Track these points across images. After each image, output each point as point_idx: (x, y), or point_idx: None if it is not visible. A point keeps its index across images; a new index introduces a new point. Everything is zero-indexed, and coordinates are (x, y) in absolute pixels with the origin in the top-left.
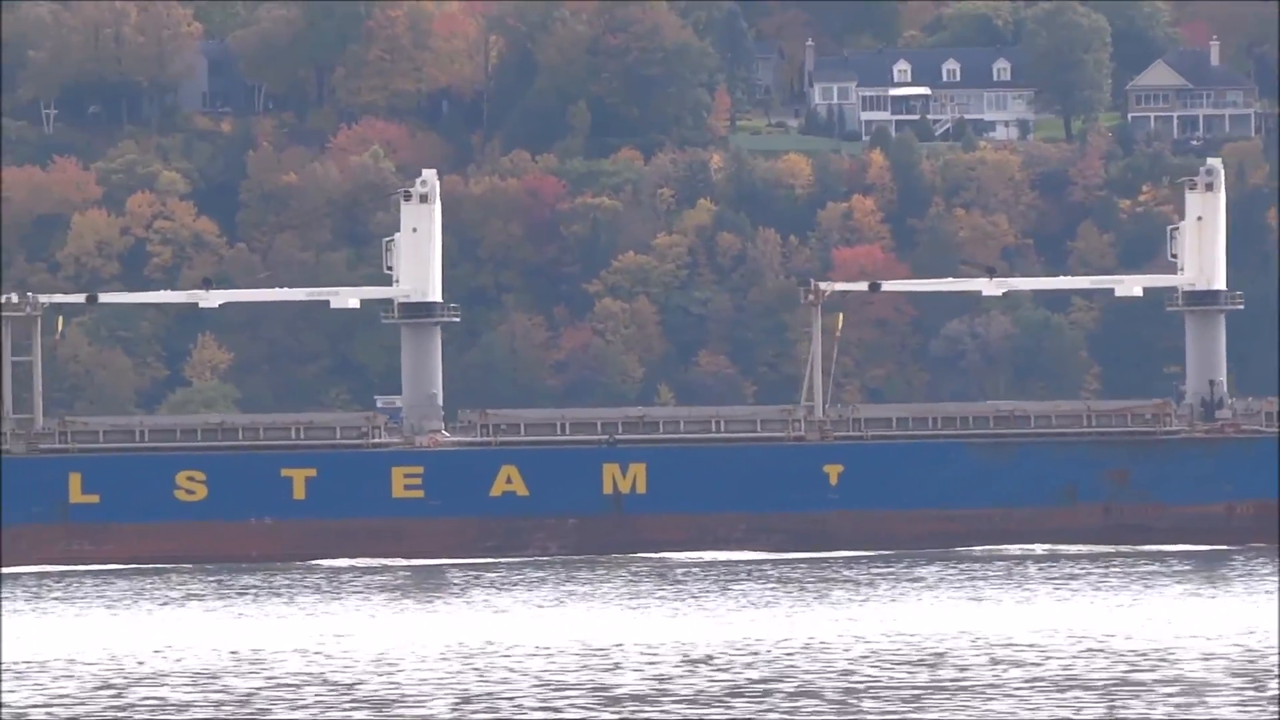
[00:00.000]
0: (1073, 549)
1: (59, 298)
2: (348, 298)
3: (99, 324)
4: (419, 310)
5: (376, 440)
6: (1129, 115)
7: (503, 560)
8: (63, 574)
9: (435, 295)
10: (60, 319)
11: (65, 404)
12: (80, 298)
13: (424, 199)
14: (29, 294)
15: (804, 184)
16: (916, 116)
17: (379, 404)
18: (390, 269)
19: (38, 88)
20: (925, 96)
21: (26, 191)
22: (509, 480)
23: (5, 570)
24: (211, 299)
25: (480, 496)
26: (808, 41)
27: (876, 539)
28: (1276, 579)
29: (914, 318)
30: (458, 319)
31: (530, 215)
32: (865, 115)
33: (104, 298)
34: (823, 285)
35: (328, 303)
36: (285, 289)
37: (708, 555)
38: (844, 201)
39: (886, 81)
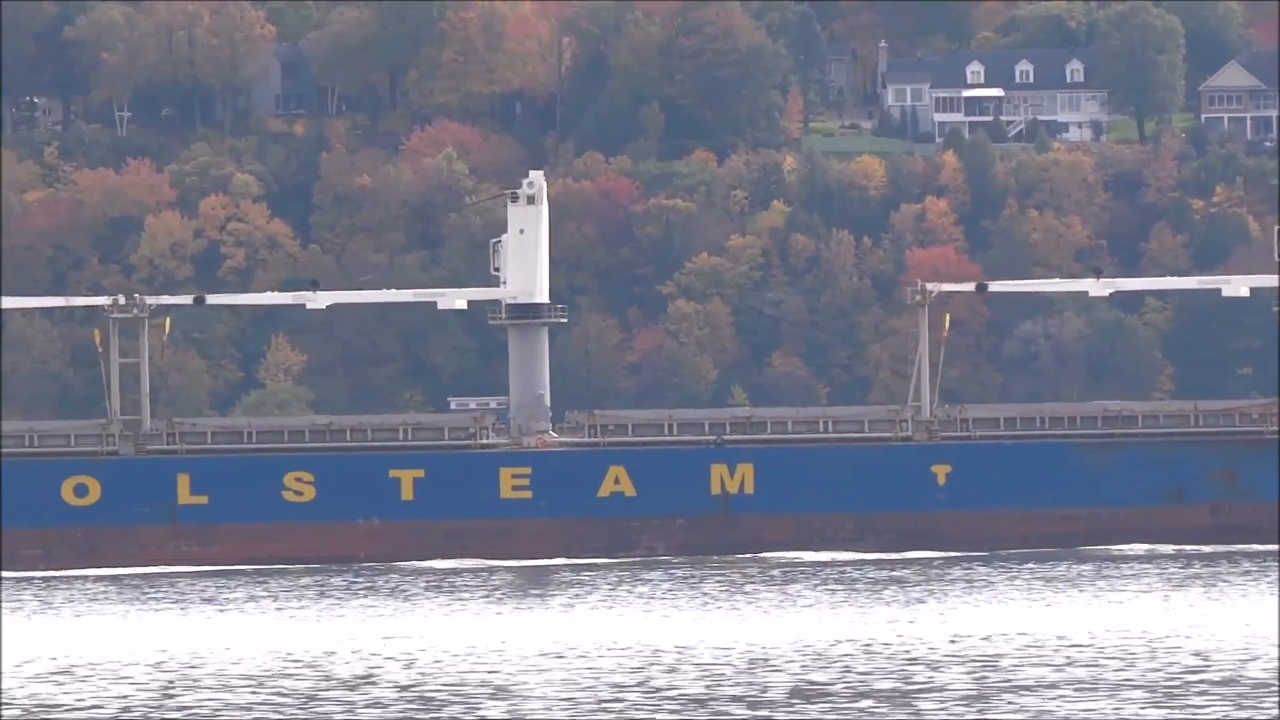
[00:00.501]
0: (1178, 549)
1: (166, 299)
2: (454, 299)
3: (174, 326)
4: (526, 311)
5: (484, 441)
6: (1202, 116)
7: (610, 561)
8: (171, 575)
9: (542, 296)
10: (168, 320)
11: (139, 407)
12: (188, 299)
13: (531, 200)
14: (136, 295)
15: (877, 185)
16: (990, 118)
17: (452, 405)
18: (497, 270)
19: (111, 90)
20: (998, 98)
21: (100, 194)
22: (617, 481)
23: (112, 571)
24: (319, 300)
25: (588, 497)
26: (881, 43)
27: (984, 539)
28: None
29: (987, 319)
30: (565, 319)
31: (604, 217)
32: (938, 117)
33: (211, 299)
34: (929, 286)
35: (405, 304)
36: (392, 290)
37: (815, 555)
38: (917, 203)
39: (960, 83)
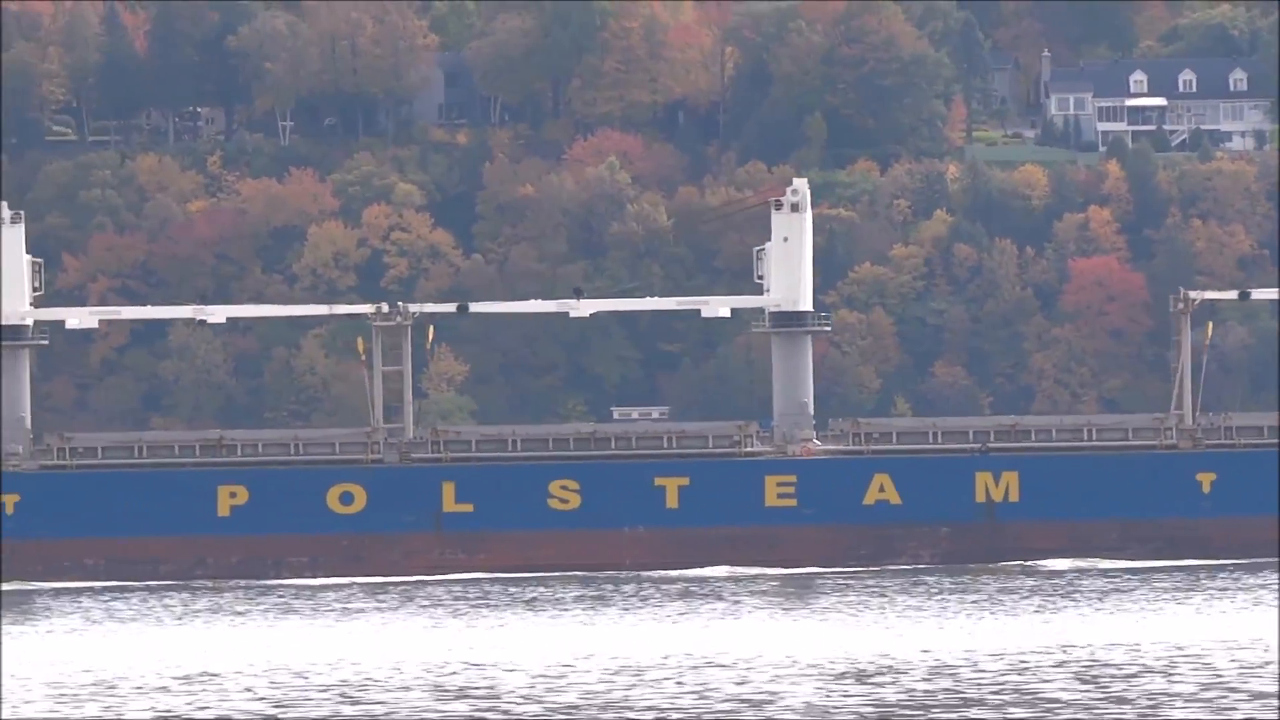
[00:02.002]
0: None
1: (430, 307)
2: (718, 307)
3: (335, 335)
4: (790, 319)
5: (749, 449)
6: None
7: (875, 569)
8: (436, 583)
9: (806, 304)
10: (431, 329)
11: (303, 416)
12: (451, 307)
13: (795, 208)
14: (399, 304)
15: (1040, 194)
16: (1153, 127)
17: (615, 415)
18: (760, 278)
19: (274, 99)
20: (1161, 107)
21: (263, 203)
22: (882, 489)
23: (377, 580)
24: (582, 309)
25: (853, 505)
26: (1044, 52)
27: (1250, 546)
28: None
29: (1149, 329)
30: (829, 328)
31: (766, 226)
32: (1101, 126)
33: (474, 308)
34: (1192, 294)
35: (565, 314)
36: (654, 299)
37: (1080, 563)
38: (1080, 212)
39: (1122, 92)
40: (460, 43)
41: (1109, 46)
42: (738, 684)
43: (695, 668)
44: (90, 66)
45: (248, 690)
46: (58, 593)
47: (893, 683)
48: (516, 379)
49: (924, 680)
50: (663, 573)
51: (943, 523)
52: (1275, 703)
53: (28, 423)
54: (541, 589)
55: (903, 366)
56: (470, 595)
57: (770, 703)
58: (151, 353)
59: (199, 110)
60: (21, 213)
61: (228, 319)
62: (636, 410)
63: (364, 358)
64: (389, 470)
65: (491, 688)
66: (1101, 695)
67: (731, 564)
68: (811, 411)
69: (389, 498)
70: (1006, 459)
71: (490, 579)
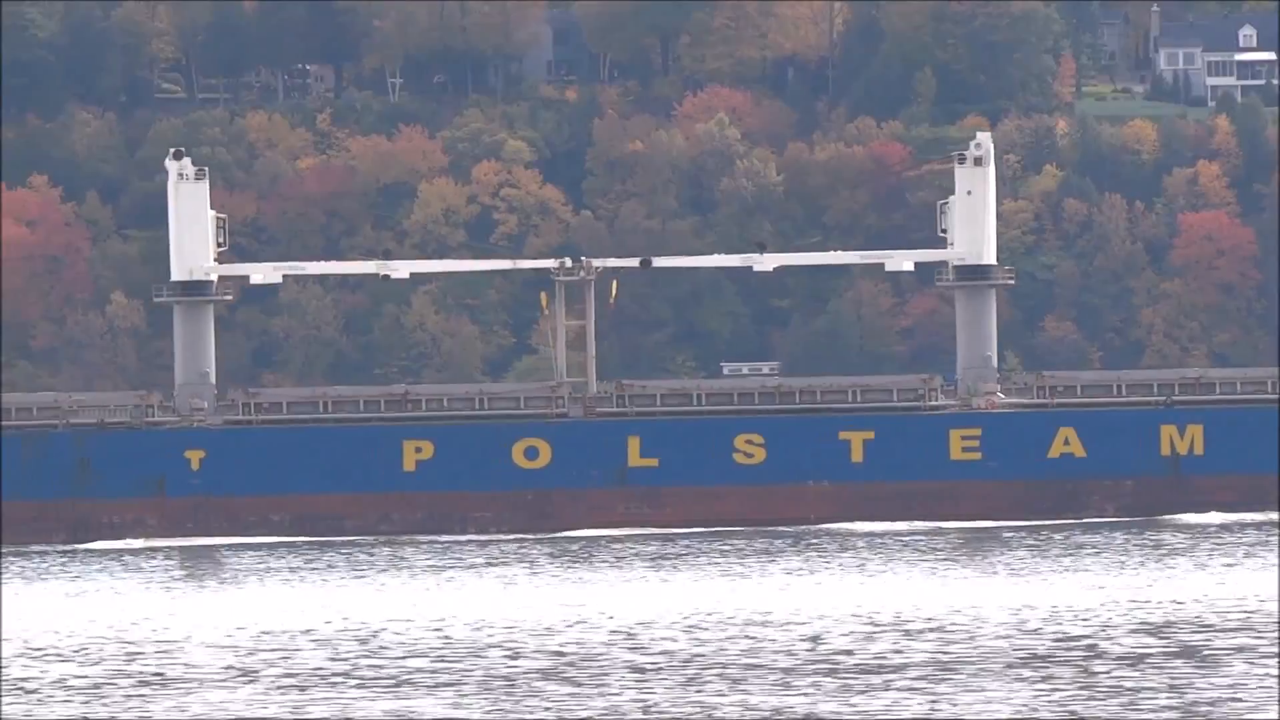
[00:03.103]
0: None
1: (613, 262)
2: (902, 260)
3: (445, 292)
4: (974, 273)
5: (933, 403)
6: None
7: (1059, 522)
8: (621, 537)
9: (990, 258)
10: (615, 283)
11: (413, 372)
12: (634, 262)
13: (978, 162)
14: (582, 258)
15: (1150, 149)
16: (1262, 81)
17: (725, 371)
18: (944, 232)
19: (383, 57)
20: (1271, 61)
21: (372, 160)
22: (1066, 442)
23: (561, 534)
24: (765, 263)
25: (1038, 458)
26: (1153, 7)
27: None
28: None
29: (1258, 283)
30: (1012, 281)
31: (876, 182)
32: (1211, 80)
33: (657, 262)
34: None
35: (675, 270)
36: (840, 252)
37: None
38: (1190, 167)
39: (1232, 46)
40: (569, 0)
41: (1218, 1)
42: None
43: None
44: (199, 24)
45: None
46: (243, 548)
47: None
48: (627, 335)
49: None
50: (846, 526)
51: (1127, 476)
52: None
53: (212, 378)
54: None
55: (1013, 322)
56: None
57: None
58: (263, 309)
59: (308, 68)
60: (205, 169)
61: (411, 274)
62: (746, 366)
63: (546, 312)
64: (574, 425)
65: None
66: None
67: (915, 518)
68: (995, 364)
69: (574, 453)
70: (1191, 412)
71: (675, 534)
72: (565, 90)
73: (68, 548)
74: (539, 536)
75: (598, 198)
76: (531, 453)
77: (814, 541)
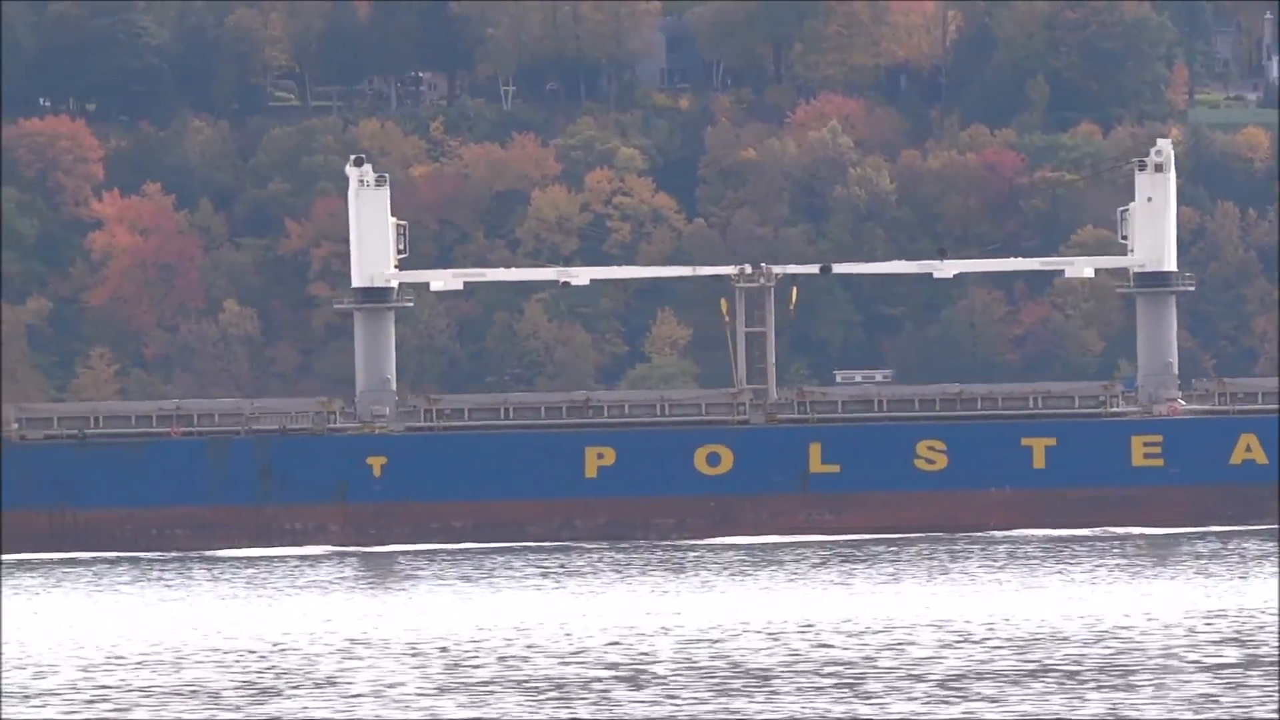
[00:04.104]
0: None
1: (792, 268)
2: (1082, 267)
3: (558, 300)
4: (1154, 280)
5: (1114, 409)
6: None
7: (1241, 528)
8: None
9: (1170, 265)
10: (794, 290)
11: (525, 380)
12: (814, 269)
13: (1159, 168)
14: (762, 265)
15: (1262, 157)
16: None
17: (838, 378)
18: (1125, 238)
19: (496, 65)
20: None
21: (485, 168)
22: (1248, 449)
23: (743, 540)
24: (945, 269)
25: (1220, 465)
26: (1266, 15)
27: None
28: None
29: None
30: (1192, 288)
31: (989, 189)
32: None
33: (837, 268)
34: None
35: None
36: (1018, 259)
37: None
38: None
39: None
40: (683, 8)
41: None
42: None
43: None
44: (312, 32)
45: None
46: (423, 555)
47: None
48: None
49: None
50: (1027, 533)
51: None
52: None
53: (393, 385)
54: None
55: (1125, 330)
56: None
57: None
58: None
59: (421, 75)
60: (386, 175)
61: (590, 280)
62: (860, 373)
63: (727, 319)
64: (755, 431)
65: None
66: None
67: (1097, 525)
68: (1176, 371)
69: (756, 459)
70: None
71: (857, 539)
72: (678, 98)
73: (250, 553)
74: (720, 542)
75: (710, 205)
76: (713, 459)
77: (993, 548)
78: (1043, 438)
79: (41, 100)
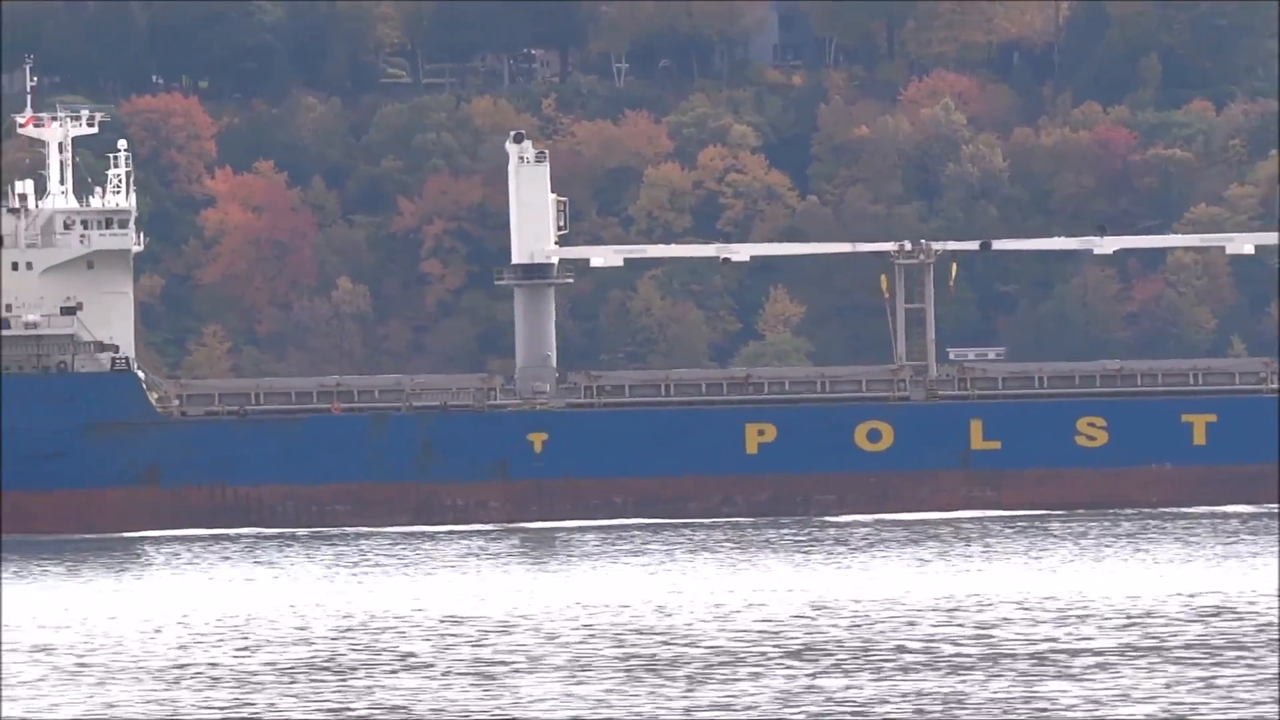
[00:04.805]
0: None
1: (952, 245)
2: (1242, 244)
3: (671, 277)
4: None
5: (1275, 385)
6: None
7: None
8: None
9: None
10: (954, 266)
11: (639, 358)
12: (973, 245)
13: None
14: (922, 241)
15: None
16: None
17: (950, 355)
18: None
19: (609, 42)
20: None
21: (598, 145)
22: None
23: (897, 517)
24: (1105, 245)
25: None
26: None
27: None
28: None
29: None
30: None
31: (1101, 167)
32: None
33: (996, 245)
34: None
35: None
36: (1179, 235)
37: None
38: None
39: None
40: None
41: None
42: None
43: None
44: (424, 9)
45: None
46: (584, 530)
47: None
48: (852, 320)
49: None
50: (1188, 509)
51: None
52: None
53: (553, 361)
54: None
55: (1238, 307)
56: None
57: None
58: (488, 295)
59: (533, 52)
60: (545, 151)
61: (751, 257)
62: (973, 351)
63: (886, 295)
64: (916, 408)
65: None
66: None
67: (1257, 501)
68: None
69: (916, 435)
70: None
71: (1016, 515)
72: (791, 75)
73: (412, 530)
74: (881, 518)
75: (823, 183)
76: (874, 435)
77: (1156, 524)
78: (1203, 414)
79: (154, 78)
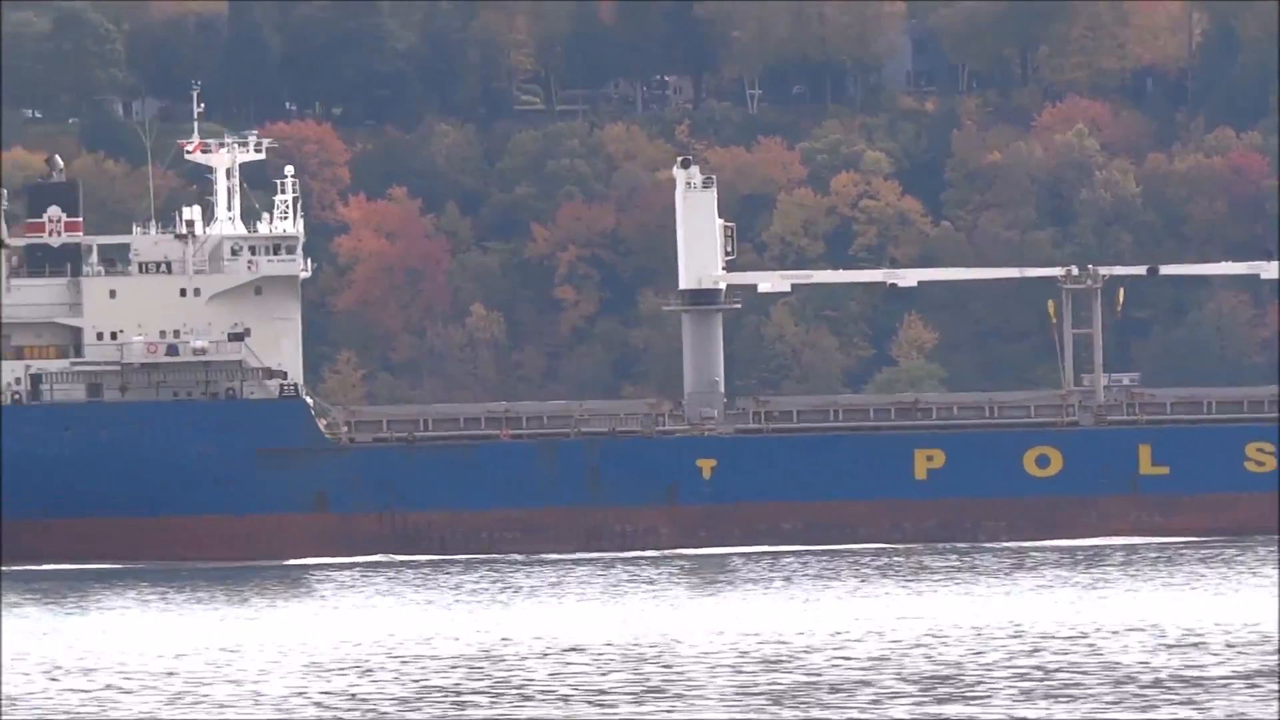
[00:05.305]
0: None
1: (1118, 270)
2: None
3: (804, 304)
4: None
5: None
6: None
7: None
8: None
9: None
10: (1122, 291)
11: (772, 384)
12: (1140, 269)
13: None
14: (1089, 266)
15: None
16: None
17: (1085, 382)
18: None
19: (742, 67)
20: None
21: (731, 171)
22: None
23: (1065, 543)
24: (1271, 269)
25: None
26: None
27: None
28: None
29: None
30: None
31: (1235, 192)
32: None
33: (1164, 269)
34: None
35: (1037, 280)
36: None
37: None
38: None
39: None
40: (928, 9)
41: None
42: None
43: None
44: (558, 35)
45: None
46: (752, 557)
47: None
48: (988, 346)
49: None
50: None
51: None
52: None
53: (721, 387)
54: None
55: None
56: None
57: None
58: (621, 321)
59: (667, 79)
60: (713, 177)
61: (919, 282)
62: (1107, 376)
63: (1054, 320)
64: (1084, 433)
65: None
66: None
67: None
68: None
69: (1085, 460)
70: None
71: (1185, 542)
72: (924, 101)
73: (580, 556)
74: (1050, 544)
75: (956, 209)
76: (1042, 461)
77: None
78: None
79: (288, 104)
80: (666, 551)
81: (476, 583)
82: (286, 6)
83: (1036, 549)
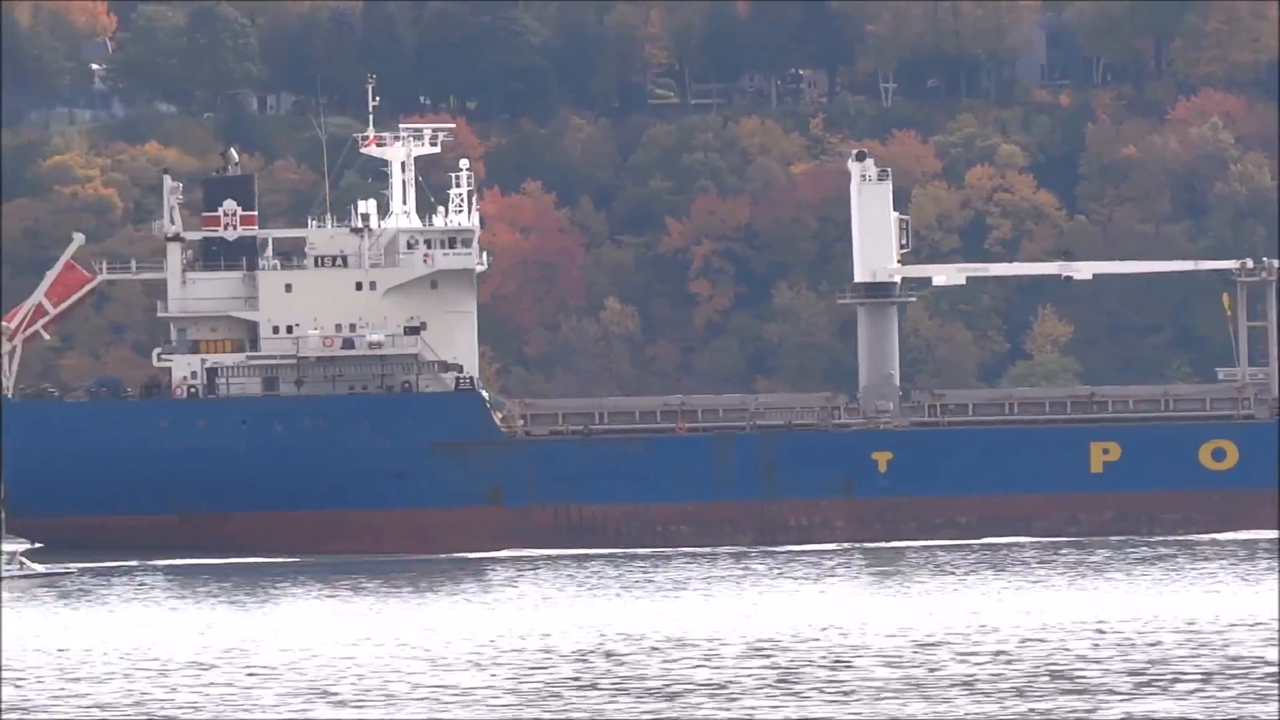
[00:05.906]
0: None
1: None
2: None
3: (940, 299)
4: None
5: None
6: None
7: None
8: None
9: None
10: None
11: (907, 378)
12: None
13: None
14: (1264, 259)
15: None
16: None
17: (1219, 376)
18: None
19: (876, 61)
20: None
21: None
22: None
23: (1241, 535)
24: None
25: None
26: None
27: None
28: None
29: None
30: None
31: None
32: None
33: None
34: None
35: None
36: None
37: None
38: None
39: None
40: (1062, 3)
41: None
42: None
43: None
44: (692, 29)
45: None
46: (929, 550)
47: None
48: (1122, 340)
49: None
50: None
51: None
52: None
53: (896, 380)
54: None
55: None
56: None
57: None
58: (755, 315)
59: (801, 73)
60: (888, 170)
61: (1094, 275)
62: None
63: (1230, 313)
64: (1261, 426)
65: None
66: None
67: None
68: None
69: (1261, 453)
70: None
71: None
72: (1059, 94)
73: (756, 549)
74: (1226, 537)
75: (1091, 202)
76: (1219, 454)
77: None
78: None
79: (422, 98)
80: (842, 545)
81: (649, 578)
82: (420, 4)
83: (1214, 541)
